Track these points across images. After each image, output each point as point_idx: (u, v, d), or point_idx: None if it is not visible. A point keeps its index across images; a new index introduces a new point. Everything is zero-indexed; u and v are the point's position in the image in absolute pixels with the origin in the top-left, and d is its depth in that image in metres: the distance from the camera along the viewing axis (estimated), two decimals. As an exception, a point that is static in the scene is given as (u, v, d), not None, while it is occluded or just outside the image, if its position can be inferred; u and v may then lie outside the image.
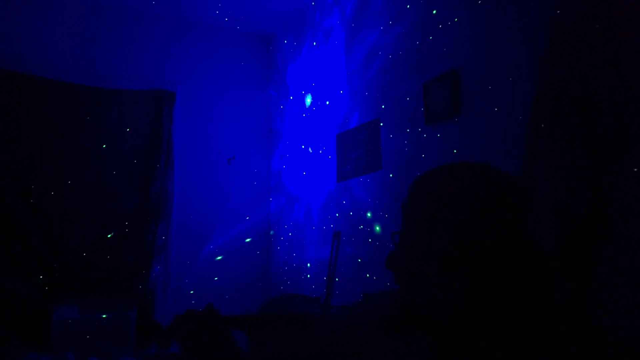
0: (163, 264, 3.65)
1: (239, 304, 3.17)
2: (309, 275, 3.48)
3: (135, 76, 3.70)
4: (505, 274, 0.75)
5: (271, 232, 4.07)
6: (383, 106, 2.91)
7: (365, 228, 2.96)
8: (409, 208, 0.86)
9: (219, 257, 3.85)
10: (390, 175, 2.81)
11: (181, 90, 3.85)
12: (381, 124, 2.90)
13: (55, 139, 3.34)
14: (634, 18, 1.55)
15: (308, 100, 3.68)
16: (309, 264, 3.51)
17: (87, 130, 3.46)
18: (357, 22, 3.18)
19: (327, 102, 3.44)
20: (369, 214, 2.94)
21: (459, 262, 0.76)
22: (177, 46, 3.89)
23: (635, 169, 1.51)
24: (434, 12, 2.54)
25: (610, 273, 1.52)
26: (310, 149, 3.63)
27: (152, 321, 3.37)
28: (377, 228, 2.86)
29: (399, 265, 0.85)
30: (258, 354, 1.00)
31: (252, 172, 4.10)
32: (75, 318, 3.09)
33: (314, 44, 3.66)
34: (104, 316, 3.17)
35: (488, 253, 0.75)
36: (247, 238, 4.00)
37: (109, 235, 3.44)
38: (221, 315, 0.98)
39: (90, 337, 3.09)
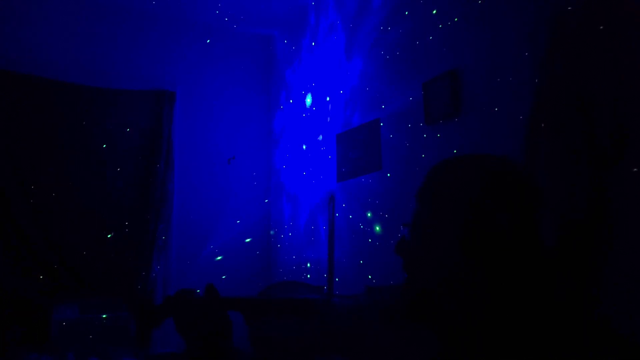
0: (163, 264, 3.65)
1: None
2: (309, 275, 3.48)
3: (135, 76, 3.71)
4: (520, 266, 0.75)
5: (271, 232, 4.07)
6: (383, 106, 2.91)
7: (365, 228, 2.95)
8: (427, 194, 0.85)
9: (219, 257, 3.85)
10: (389, 175, 2.81)
11: (181, 90, 3.85)
12: (381, 124, 2.90)
13: (56, 139, 3.34)
14: (634, 18, 1.56)
15: (308, 100, 3.68)
16: (309, 264, 3.51)
17: (87, 130, 3.46)
18: (356, 22, 3.18)
19: (327, 102, 3.44)
20: (369, 214, 2.94)
21: (478, 248, 0.76)
22: (177, 46, 3.89)
23: (635, 169, 1.51)
24: (434, 12, 2.54)
25: (611, 272, 1.52)
26: (310, 149, 3.63)
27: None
28: (377, 228, 2.86)
29: (411, 250, 0.84)
30: (256, 337, 0.97)
31: (252, 172, 4.10)
32: (75, 318, 3.10)
33: (314, 43, 3.66)
34: (104, 316, 3.18)
35: (507, 241, 0.75)
36: (247, 238, 4.00)
37: (109, 235, 3.44)
38: (220, 296, 0.96)
39: (91, 337, 3.09)
